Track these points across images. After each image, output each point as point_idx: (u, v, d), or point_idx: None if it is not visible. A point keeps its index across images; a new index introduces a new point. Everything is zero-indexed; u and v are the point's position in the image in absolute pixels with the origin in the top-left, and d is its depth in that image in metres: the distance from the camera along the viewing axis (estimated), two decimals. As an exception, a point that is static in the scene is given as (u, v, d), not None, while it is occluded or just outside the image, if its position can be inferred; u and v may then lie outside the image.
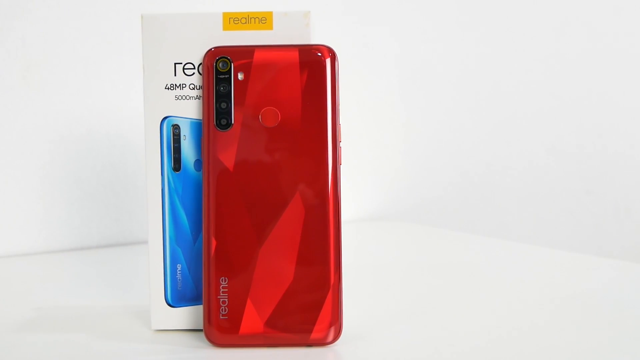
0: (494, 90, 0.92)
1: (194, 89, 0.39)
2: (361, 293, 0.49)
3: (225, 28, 0.39)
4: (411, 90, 0.87)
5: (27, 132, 0.66)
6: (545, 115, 0.96)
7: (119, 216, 0.70)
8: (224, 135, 0.37)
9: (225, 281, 0.37)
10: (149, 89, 0.39)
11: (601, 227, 0.99)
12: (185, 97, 0.39)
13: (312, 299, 0.37)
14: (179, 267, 0.39)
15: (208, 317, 0.37)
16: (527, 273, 0.56)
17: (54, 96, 0.67)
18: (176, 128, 0.39)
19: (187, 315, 0.40)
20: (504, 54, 0.92)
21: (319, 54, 0.37)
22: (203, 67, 0.38)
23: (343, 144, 0.71)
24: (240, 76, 0.37)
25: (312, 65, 0.37)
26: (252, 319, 0.37)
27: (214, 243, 0.37)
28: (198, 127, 0.39)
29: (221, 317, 0.37)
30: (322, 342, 0.37)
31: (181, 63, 0.39)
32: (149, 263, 0.39)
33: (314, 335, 0.37)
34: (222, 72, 0.37)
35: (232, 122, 0.37)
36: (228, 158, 0.37)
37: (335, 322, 0.37)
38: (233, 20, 0.39)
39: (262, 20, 0.39)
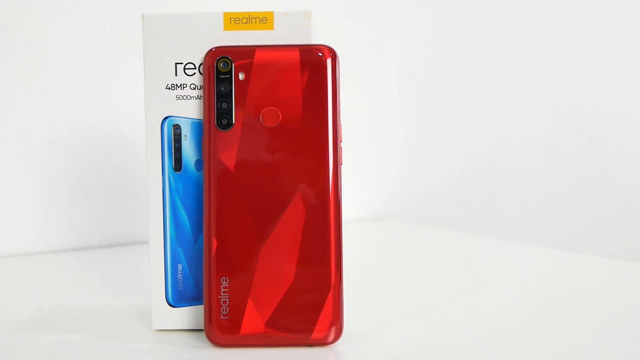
0: (495, 90, 0.92)
1: (194, 89, 0.39)
2: (362, 293, 0.49)
3: (226, 28, 0.39)
4: (412, 90, 0.87)
5: (28, 132, 0.67)
6: (546, 115, 0.95)
7: (119, 216, 0.70)
8: (225, 135, 0.37)
9: (226, 281, 0.37)
10: (150, 89, 0.39)
11: (602, 227, 0.99)
12: (186, 97, 0.39)
13: (313, 299, 0.37)
14: (179, 267, 0.39)
15: (209, 317, 0.37)
16: (528, 273, 0.56)
17: (55, 96, 0.67)
18: (177, 128, 0.39)
19: (188, 315, 0.40)
20: (504, 53, 0.92)
21: (320, 54, 0.37)
22: (204, 67, 0.38)
23: (344, 144, 0.71)
24: (241, 76, 0.37)
25: (313, 65, 0.37)
26: (253, 319, 0.37)
27: (214, 243, 0.37)
28: (199, 127, 0.39)
29: (222, 317, 0.37)
30: (323, 342, 0.37)
31: (182, 63, 0.39)
32: (149, 263, 0.39)
33: (315, 335, 0.37)
34: (223, 72, 0.37)
35: (233, 122, 0.37)
36: (229, 158, 0.37)
37: (336, 322, 0.37)
38: (234, 20, 0.39)
39: (263, 20, 0.39)
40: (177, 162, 0.39)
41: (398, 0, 0.86)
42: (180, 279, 0.39)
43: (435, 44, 0.88)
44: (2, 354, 0.37)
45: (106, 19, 0.69)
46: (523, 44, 0.94)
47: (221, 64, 0.37)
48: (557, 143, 0.96)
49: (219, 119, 0.37)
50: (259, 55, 0.37)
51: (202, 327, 0.39)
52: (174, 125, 0.39)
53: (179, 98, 0.39)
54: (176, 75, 0.39)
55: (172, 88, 0.39)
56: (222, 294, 0.37)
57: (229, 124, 0.37)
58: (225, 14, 0.39)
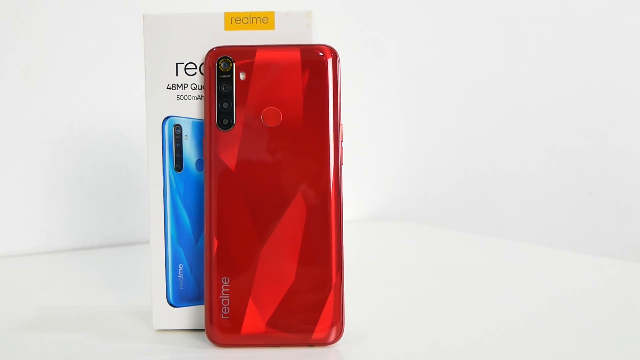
0: (495, 90, 0.92)
1: (195, 89, 0.39)
2: (363, 293, 0.49)
3: (227, 28, 0.39)
4: (412, 90, 0.87)
5: (29, 132, 0.67)
6: (547, 115, 0.95)
7: (120, 216, 0.70)
8: (226, 135, 0.37)
9: (227, 281, 0.37)
10: (151, 89, 0.39)
11: (602, 227, 0.99)
12: (187, 97, 0.39)
13: (313, 298, 0.37)
14: (180, 267, 0.39)
15: (210, 317, 0.37)
16: (528, 273, 0.56)
17: (56, 96, 0.67)
18: (178, 128, 0.39)
19: (189, 315, 0.40)
20: (505, 53, 0.92)
21: (321, 54, 0.37)
22: (205, 67, 0.38)
23: (345, 144, 0.71)
24: (242, 76, 0.37)
25: (314, 65, 0.37)
26: (253, 319, 0.37)
27: (215, 243, 0.37)
28: (200, 127, 0.39)
29: (223, 317, 0.37)
30: (323, 342, 0.37)
31: (183, 63, 0.39)
32: (150, 263, 0.39)
33: (316, 335, 0.37)
34: (224, 72, 0.37)
35: (234, 122, 0.37)
36: (230, 158, 0.37)
37: (337, 322, 0.37)
38: (235, 20, 0.39)
39: (264, 20, 0.39)
40: (178, 162, 0.39)
41: (399, 0, 0.86)
42: (181, 279, 0.39)
43: (436, 44, 0.88)
44: (3, 353, 0.37)
45: (107, 19, 0.69)
46: (524, 44, 0.94)
47: (222, 64, 0.37)
48: (558, 143, 0.96)
49: (219, 119, 0.37)
50: (259, 55, 0.37)
51: (203, 327, 0.39)
52: (174, 125, 0.39)
53: (179, 98, 0.39)
54: (177, 75, 0.39)
55: (173, 88, 0.39)
56: (223, 294, 0.37)
57: (230, 124, 0.37)
58: (226, 14, 0.39)
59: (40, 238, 0.67)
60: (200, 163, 0.39)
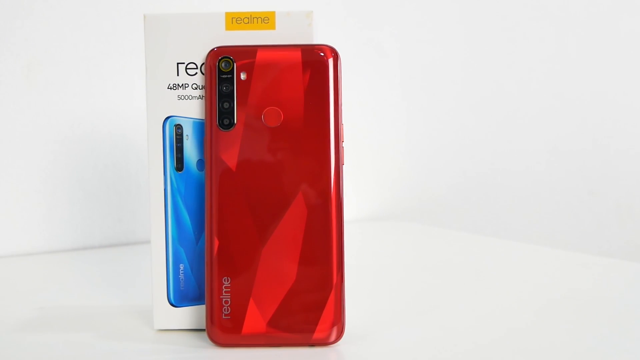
0: (496, 90, 0.92)
1: (196, 88, 0.39)
2: (363, 293, 0.49)
3: (227, 28, 0.39)
4: (413, 90, 0.87)
5: (30, 132, 0.67)
6: (547, 115, 0.95)
7: (121, 216, 0.70)
8: (227, 135, 0.37)
9: (227, 281, 0.37)
10: (152, 89, 0.39)
11: (603, 227, 0.99)
12: (188, 97, 0.39)
13: (314, 298, 0.37)
14: (181, 267, 0.39)
15: (210, 316, 0.37)
16: (529, 273, 0.56)
17: (57, 96, 0.68)
18: (179, 128, 0.39)
19: (190, 315, 0.40)
20: (505, 53, 0.92)
21: (322, 54, 0.37)
22: (205, 67, 0.38)
23: (345, 144, 0.71)
24: (242, 76, 0.37)
25: (315, 65, 0.37)
26: (254, 319, 0.37)
27: (216, 243, 0.37)
28: (200, 127, 0.39)
29: (224, 317, 0.37)
30: (324, 342, 0.37)
31: (184, 63, 0.39)
32: (151, 263, 0.39)
33: (317, 335, 0.37)
34: (225, 72, 0.37)
35: (235, 122, 0.37)
36: (230, 158, 0.37)
37: (338, 322, 0.37)
38: (236, 20, 0.39)
39: (265, 20, 0.39)
40: (179, 162, 0.39)
41: (400, 0, 0.86)
42: (182, 279, 0.39)
43: (437, 44, 0.88)
44: (3, 353, 0.37)
45: (108, 19, 0.69)
46: (525, 44, 0.94)
47: (223, 64, 0.37)
48: (559, 143, 0.96)
49: (220, 118, 0.37)
50: (260, 55, 0.37)
51: (203, 327, 0.40)
52: (175, 125, 0.39)
53: (180, 98, 0.39)
54: (178, 75, 0.39)
55: (174, 88, 0.39)
56: (224, 294, 0.37)
57: (231, 124, 0.37)
58: (227, 14, 0.39)
59: (40, 238, 0.67)
60: (201, 163, 0.39)
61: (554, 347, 0.37)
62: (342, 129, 0.38)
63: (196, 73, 0.39)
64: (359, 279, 0.52)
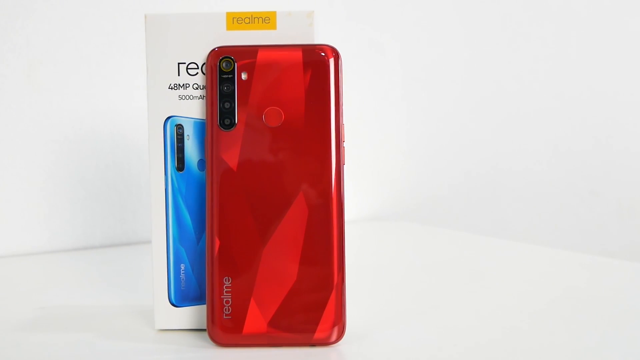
0: (497, 90, 0.92)
1: (197, 88, 0.39)
2: (364, 293, 0.49)
3: (228, 28, 0.39)
4: (414, 90, 0.87)
5: (31, 132, 0.67)
6: (549, 115, 0.95)
7: (122, 216, 0.70)
8: (228, 135, 0.37)
9: (228, 281, 0.37)
10: (153, 89, 0.39)
11: (604, 227, 0.99)
12: (189, 97, 0.39)
13: (315, 298, 0.37)
14: (182, 267, 0.39)
15: (211, 316, 0.37)
16: (529, 273, 0.56)
17: (58, 96, 0.68)
18: (180, 128, 0.39)
19: (191, 315, 0.40)
20: (506, 53, 0.92)
21: (323, 54, 0.37)
22: (206, 67, 0.38)
23: (346, 144, 0.71)
24: (243, 76, 0.37)
25: (316, 65, 0.37)
26: (255, 319, 0.37)
27: (217, 243, 0.37)
28: (201, 127, 0.39)
29: (225, 317, 0.37)
30: (325, 342, 0.37)
31: (185, 63, 0.39)
32: (152, 263, 0.39)
33: (318, 335, 0.37)
34: (226, 72, 0.37)
35: (236, 121, 0.37)
36: (231, 158, 0.37)
37: (339, 321, 0.37)
38: (236, 20, 0.39)
39: (266, 20, 0.39)
40: (180, 162, 0.39)
41: (401, 0, 0.86)
42: (182, 279, 0.39)
43: (438, 44, 0.88)
44: (4, 353, 0.37)
45: (109, 19, 0.69)
46: (526, 44, 0.94)
47: (224, 64, 0.37)
48: (560, 143, 0.96)
49: (221, 118, 0.37)
50: (261, 55, 0.37)
51: (204, 326, 0.40)
52: (176, 125, 0.39)
53: (181, 98, 0.39)
54: (179, 75, 0.39)
55: (175, 88, 0.39)
56: (225, 294, 0.37)
57: (232, 124, 0.37)
58: (228, 14, 0.39)
59: (42, 238, 0.67)
60: (202, 163, 0.39)
61: (554, 347, 0.37)
62: (343, 128, 0.38)
63: (197, 73, 0.39)
64: (360, 278, 0.52)
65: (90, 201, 0.69)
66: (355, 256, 0.58)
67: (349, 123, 0.69)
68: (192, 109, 0.39)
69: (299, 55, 0.37)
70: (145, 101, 0.66)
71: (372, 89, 0.85)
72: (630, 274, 0.56)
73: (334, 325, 0.37)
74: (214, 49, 0.38)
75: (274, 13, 0.39)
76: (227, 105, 0.37)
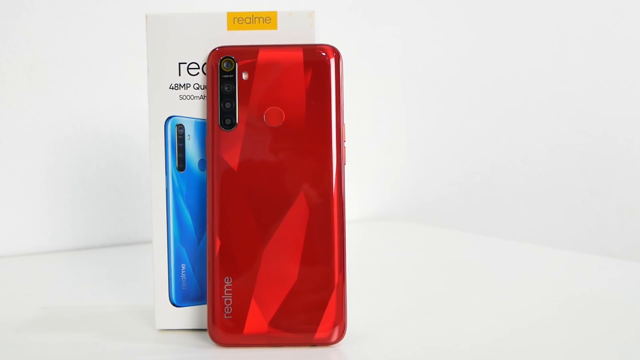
0: (498, 89, 0.92)
1: (198, 88, 0.39)
2: (365, 293, 0.49)
3: (229, 28, 0.39)
4: (415, 90, 0.87)
5: (32, 131, 0.67)
6: (549, 114, 0.95)
7: (123, 216, 0.71)
8: (228, 135, 0.37)
9: (229, 281, 0.37)
10: (154, 89, 0.39)
11: (605, 226, 0.99)
12: (190, 97, 0.39)
13: (316, 298, 0.37)
14: (183, 266, 0.39)
15: (212, 316, 0.37)
16: (531, 273, 0.56)
17: (59, 96, 0.68)
18: (180, 128, 0.39)
19: (192, 315, 0.40)
20: (507, 53, 0.92)
21: (323, 54, 0.37)
22: (207, 66, 0.38)
23: (347, 144, 0.71)
24: (244, 76, 0.37)
25: (317, 65, 0.37)
26: (256, 319, 0.37)
27: (218, 243, 0.37)
28: (202, 127, 0.39)
29: (225, 317, 0.37)
30: (326, 342, 0.37)
31: (185, 63, 0.39)
32: (153, 263, 0.39)
33: (318, 335, 0.37)
34: (227, 71, 0.37)
35: (237, 121, 0.37)
36: (232, 158, 0.37)
37: (340, 321, 0.37)
38: (237, 20, 0.39)
39: (267, 20, 0.39)
40: (181, 162, 0.39)
41: (401, 0, 0.86)
42: (183, 279, 0.39)
43: (438, 44, 0.88)
44: (5, 353, 0.37)
45: (110, 19, 0.69)
46: (526, 43, 0.93)
47: (225, 64, 0.37)
48: (561, 142, 0.96)
49: (222, 118, 0.37)
50: (262, 55, 0.37)
51: (205, 326, 0.40)
52: (177, 125, 0.39)
53: (182, 98, 0.39)
54: (180, 75, 0.39)
55: (176, 88, 0.39)
56: (226, 294, 0.37)
57: (233, 124, 0.37)
58: (229, 14, 0.39)
59: (42, 238, 0.67)
60: (202, 163, 0.39)
61: (555, 347, 0.37)
62: (344, 128, 0.38)
63: (198, 73, 0.39)
64: (361, 278, 0.52)
65: (91, 201, 0.69)
66: (356, 256, 0.58)
67: (349, 123, 0.69)
68: (193, 108, 0.39)
69: (299, 55, 0.37)
70: (146, 101, 0.66)
71: (373, 88, 0.85)
72: (631, 273, 0.56)
73: (334, 326, 0.37)
74: (215, 49, 0.38)
75: (275, 13, 0.39)
76: (227, 105, 0.37)
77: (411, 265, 0.59)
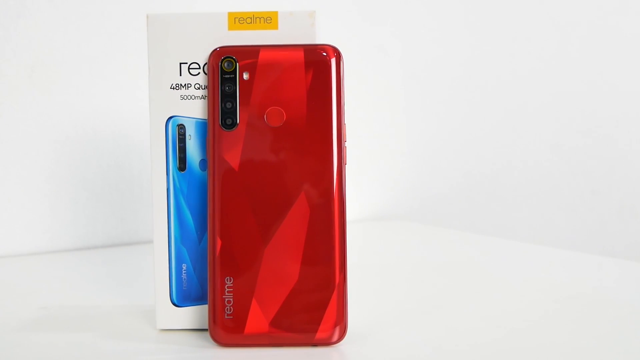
0: (498, 89, 0.92)
1: (199, 88, 0.39)
2: (366, 293, 0.49)
3: (230, 28, 0.39)
4: (416, 90, 0.87)
5: (33, 132, 0.67)
6: (550, 114, 0.95)
7: (124, 216, 0.71)
8: (229, 135, 0.37)
9: (230, 281, 0.37)
10: (155, 89, 0.39)
11: (606, 226, 0.99)
12: (191, 97, 0.39)
13: (317, 298, 0.37)
14: (184, 266, 0.39)
15: (213, 316, 0.37)
16: (531, 272, 0.56)
17: (60, 96, 0.68)
18: (181, 128, 0.39)
19: (192, 315, 0.40)
20: (507, 52, 0.92)
21: (324, 54, 0.37)
22: (208, 66, 0.38)
23: (348, 144, 0.71)
24: (245, 76, 0.37)
25: (317, 65, 0.37)
26: (257, 319, 0.37)
27: (219, 243, 0.37)
28: (203, 127, 0.39)
29: (226, 317, 0.37)
30: (327, 342, 0.37)
31: (186, 63, 0.39)
32: (154, 263, 0.39)
33: (319, 335, 0.37)
34: (228, 71, 0.37)
35: (237, 121, 0.37)
36: (233, 158, 0.37)
37: (340, 321, 0.37)
38: (238, 20, 0.39)
39: (268, 20, 0.39)
40: (182, 162, 0.39)
41: (402, 0, 0.86)
42: (184, 279, 0.39)
43: (439, 44, 0.88)
44: (5, 353, 0.37)
45: (111, 19, 0.69)
46: (527, 44, 0.93)
47: (225, 64, 0.37)
48: (561, 142, 0.96)
49: (223, 118, 0.37)
50: (263, 55, 0.37)
51: (206, 326, 0.40)
52: (178, 125, 0.39)
53: (183, 98, 0.39)
54: (180, 75, 0.39)
55: (177, 88, 0.39)
56: (227, 294, 0.37)
57: (234, 124, 0.37)
58: (230, 14, 0.39)
59: (43, 238, 0.67)
60: (203, 163, 0.39)
61: (555, 347, 0.37)
62: (345, 128, 0.38)
63: (199, 73, 0.39)
64: (362, 278, 0.52)
65: (91, 201, 0.69)
66: (356, 256, 0.58)
67: (350, 123, 0.69)
68: (193, 109, 0.39)
69: (300, 55, 0.37)
70: (147, 101, 0.66)
71: (374, 88, 0.85)
72: (632, 273, 0.56)
73: (335, 325, 0.37)
74: (216, 49, 0.38)
75: (276, 13, 0.39)
76: (228, 105, 0.37)
77: (411, 265, 0.59)
